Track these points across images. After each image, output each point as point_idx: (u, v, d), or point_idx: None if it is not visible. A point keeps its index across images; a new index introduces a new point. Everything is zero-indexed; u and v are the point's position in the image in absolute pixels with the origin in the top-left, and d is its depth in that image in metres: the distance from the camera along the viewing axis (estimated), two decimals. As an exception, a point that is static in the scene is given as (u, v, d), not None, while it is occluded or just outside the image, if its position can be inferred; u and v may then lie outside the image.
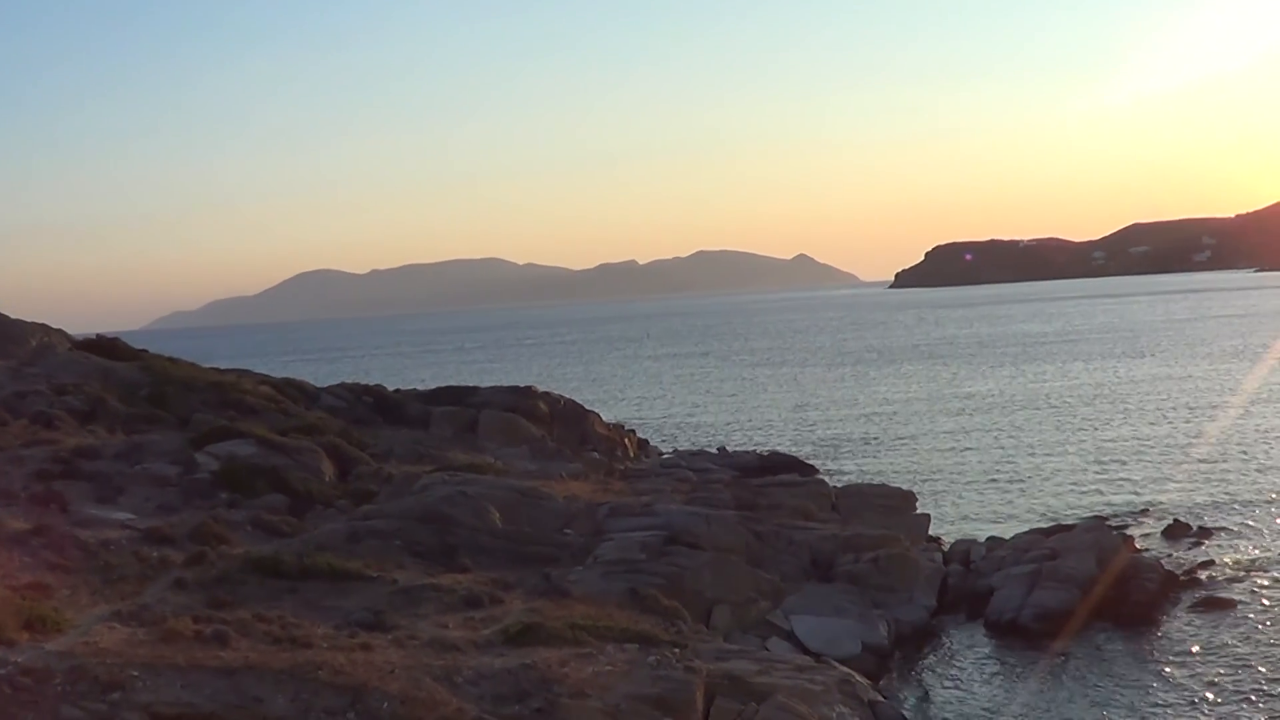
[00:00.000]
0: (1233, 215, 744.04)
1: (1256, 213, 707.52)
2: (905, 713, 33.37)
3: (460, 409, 73.81)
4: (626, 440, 79.75)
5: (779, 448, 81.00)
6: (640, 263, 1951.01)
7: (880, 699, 32.34)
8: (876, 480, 64.55)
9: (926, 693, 35.85)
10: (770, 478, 60.32)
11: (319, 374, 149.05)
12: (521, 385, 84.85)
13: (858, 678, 32.43)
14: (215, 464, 50.60)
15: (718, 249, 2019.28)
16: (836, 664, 33.60)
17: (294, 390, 73.80)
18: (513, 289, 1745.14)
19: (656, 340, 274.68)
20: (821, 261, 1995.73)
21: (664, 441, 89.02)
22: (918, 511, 53.52)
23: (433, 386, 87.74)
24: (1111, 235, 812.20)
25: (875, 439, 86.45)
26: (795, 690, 29.09)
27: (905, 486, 58.60)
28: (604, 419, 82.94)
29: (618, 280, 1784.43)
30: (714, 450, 78.67)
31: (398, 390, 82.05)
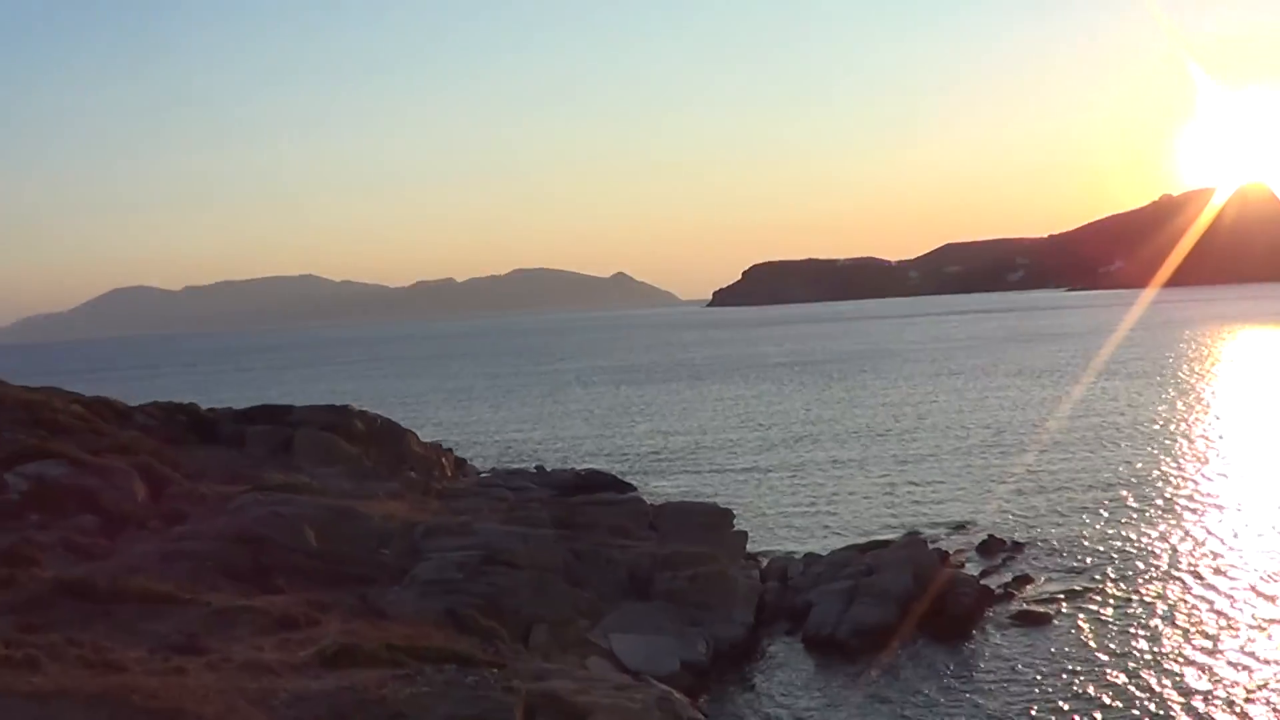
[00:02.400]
0: (1045, 235, 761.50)
1: (1068, 233, 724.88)
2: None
3: (275, 428, 72.95)
4: (444, 459, 79.33)
5: (596, 466, 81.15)
6: (458, 280, 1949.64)
7: (700, 716, 32.51)
8: (694, 498, 64.86)
9: (745, 709, 36.08)
10: (588, 496, 60.34)
11: (132, 392, 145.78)
12: (338, 404, 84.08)
13: (676, 695, 32.54)
14: (25, 484, 49.55)
15: (536, 267, 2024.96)
16: (655, 682, 33.70)
17: (106, 409, 72.38)
18: (329, 306, 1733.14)
19: (475, 359, 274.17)
20: (639, 280, 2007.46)
21: (482, 460, 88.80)
22: (735, 529, 53.80)
23: (248, 405, 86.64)
24: (926, 255, 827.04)
25: (692, 457, 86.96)
26: (614, 709, 29.14)
27: (722, 504, 58.92)
28: (421, 438, 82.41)
29: (436, 298, 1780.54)
30: (531, 469, 78.62)
31: (212, 409, 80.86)
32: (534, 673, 31.68)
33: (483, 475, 77.89)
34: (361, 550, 43.85)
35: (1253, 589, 44.42)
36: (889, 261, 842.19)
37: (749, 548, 53.17)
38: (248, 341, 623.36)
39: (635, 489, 70.60)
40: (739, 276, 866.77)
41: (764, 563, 51.38)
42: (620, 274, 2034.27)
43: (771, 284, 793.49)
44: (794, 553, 52.98)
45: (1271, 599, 43.02)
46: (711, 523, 53.22)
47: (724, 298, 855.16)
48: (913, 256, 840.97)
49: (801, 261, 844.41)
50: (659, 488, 73.15)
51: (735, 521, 54.79)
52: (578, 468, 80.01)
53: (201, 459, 64.19)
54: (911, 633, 41.14)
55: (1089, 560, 50.00)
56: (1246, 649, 38.03)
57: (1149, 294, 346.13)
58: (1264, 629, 39.84)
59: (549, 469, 78.83)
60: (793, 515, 63.63)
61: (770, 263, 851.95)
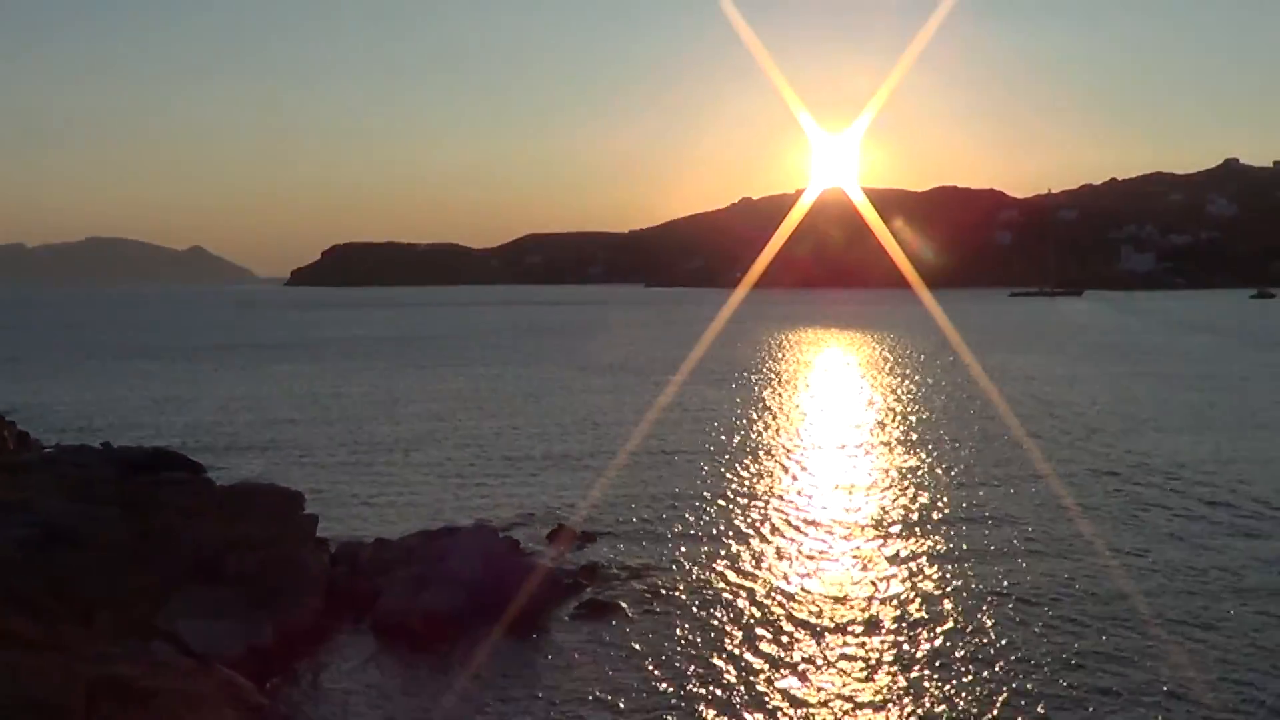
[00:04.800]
0: (626, 231, 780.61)
1: (648, 230, 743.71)
2: (289, 714, 33.46)
3: None
4: (5, 433, 76.70)
5: (165, 444, 79.44)
6: (28, 245, 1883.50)
7: (264, 702, 32.34)
8: (264, 480, 64.11)
9: (312, 693, 35.95)
10: (156, 475, 59.17)
11: None
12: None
13: (241, 680, 32.31)
14: None
15: (111, 236, 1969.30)
16: (221, 666, 33.39)
17: None
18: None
19: (39, 330, 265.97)
20: (216, 254, 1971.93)
21: (45, 435, 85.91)
22: (306, 512, 53.41)
23: None
24: (508, 244, 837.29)
25: (263, 438, 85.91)
26: (179, 692, 28.83)
27: (293, 487, 58.40)
28: (-18, 410, 79.73)
29: (3, 263, 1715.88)
30: (98, 445, 76.59)
31: None
32: (96, 656, 31.07)
33: (46, 450, 75.52)
34: (-86, 526, 42.24)
35: (829, 586, 46.07)
36: (471, 249, 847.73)
37: (319, 531, 52.71)
38: None
39: (205, 469, 69.46)
40: (318, 256, 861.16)
41: (334, 547, 51.07)
42: (197, 247, 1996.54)
43: (351, 265, 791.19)
44: (365, 537, 52.86)
45: (843, 600, 44.60)
46: (281, 505, 52.65)
47: (302, 277, 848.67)
48: (495, 245, 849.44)
49: (382, 244, 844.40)
50: (228, 468, 72.09)
51: (306, 504, 54.39)
52: (146, 445, 78.25)
53: None
54: (481, 622, 41.42)
55: (660, 554, 50.97)
56: (817, 642, 39.43)
57: (731, 294, 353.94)
58: (835, 627, 41.30)
59: (116, 445, 76.96)
60: (364, 499, 63.52)
61: (350, 244, 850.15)
